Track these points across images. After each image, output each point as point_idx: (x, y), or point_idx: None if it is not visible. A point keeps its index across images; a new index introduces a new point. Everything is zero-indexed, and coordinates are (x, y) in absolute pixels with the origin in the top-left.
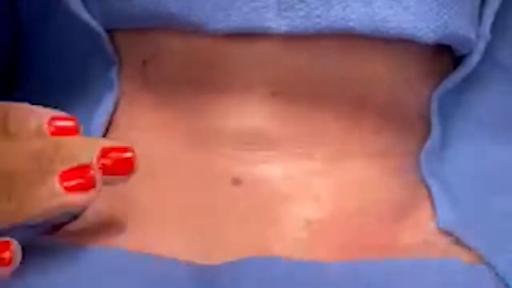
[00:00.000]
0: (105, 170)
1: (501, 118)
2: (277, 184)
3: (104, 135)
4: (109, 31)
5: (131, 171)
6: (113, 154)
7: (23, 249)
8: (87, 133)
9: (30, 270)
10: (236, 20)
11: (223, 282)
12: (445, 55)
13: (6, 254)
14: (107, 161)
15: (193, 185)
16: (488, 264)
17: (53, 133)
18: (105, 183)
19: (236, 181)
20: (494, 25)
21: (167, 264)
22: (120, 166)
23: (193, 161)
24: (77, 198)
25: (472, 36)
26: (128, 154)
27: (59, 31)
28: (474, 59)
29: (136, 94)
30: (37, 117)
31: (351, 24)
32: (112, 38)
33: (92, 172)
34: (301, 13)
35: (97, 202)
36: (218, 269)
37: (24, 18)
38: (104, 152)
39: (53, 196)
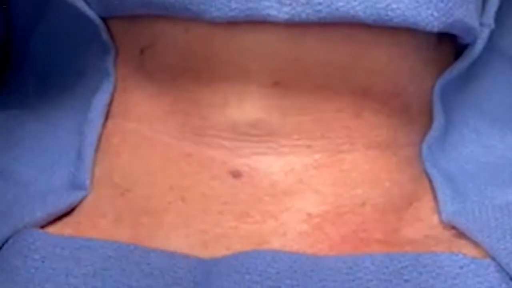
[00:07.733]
0: None
1: (505, 107)
2: (277, 177)
3: (103, 124)
4: (105, 19)
5: None
6: None
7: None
8: (86, 122)
9: (28, 264)
10: (235, 7)
11: (223, 275)
12: (448, 44)
13: None
14: None
15: (191, 177)
16: (493, 258)
17: None
18: None
19: (236, 174)
20: (497, 13)
21: (166, 257)
22: None
23: (191, 153)
24: None
25: (476, 24)
26: None
27: (54, 19)
28: (477, 48)
29: (133, 83)
30: None
31: (353, 12)
32: (108, 27)
33: None
34: (302, 0)
35: (95, 195)
36: (217, 262)
37: (18, 9)
38: None
39: None
